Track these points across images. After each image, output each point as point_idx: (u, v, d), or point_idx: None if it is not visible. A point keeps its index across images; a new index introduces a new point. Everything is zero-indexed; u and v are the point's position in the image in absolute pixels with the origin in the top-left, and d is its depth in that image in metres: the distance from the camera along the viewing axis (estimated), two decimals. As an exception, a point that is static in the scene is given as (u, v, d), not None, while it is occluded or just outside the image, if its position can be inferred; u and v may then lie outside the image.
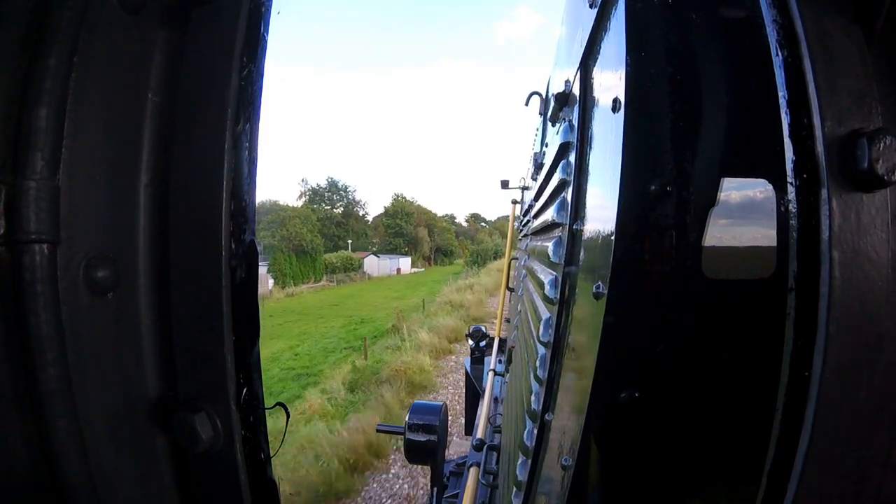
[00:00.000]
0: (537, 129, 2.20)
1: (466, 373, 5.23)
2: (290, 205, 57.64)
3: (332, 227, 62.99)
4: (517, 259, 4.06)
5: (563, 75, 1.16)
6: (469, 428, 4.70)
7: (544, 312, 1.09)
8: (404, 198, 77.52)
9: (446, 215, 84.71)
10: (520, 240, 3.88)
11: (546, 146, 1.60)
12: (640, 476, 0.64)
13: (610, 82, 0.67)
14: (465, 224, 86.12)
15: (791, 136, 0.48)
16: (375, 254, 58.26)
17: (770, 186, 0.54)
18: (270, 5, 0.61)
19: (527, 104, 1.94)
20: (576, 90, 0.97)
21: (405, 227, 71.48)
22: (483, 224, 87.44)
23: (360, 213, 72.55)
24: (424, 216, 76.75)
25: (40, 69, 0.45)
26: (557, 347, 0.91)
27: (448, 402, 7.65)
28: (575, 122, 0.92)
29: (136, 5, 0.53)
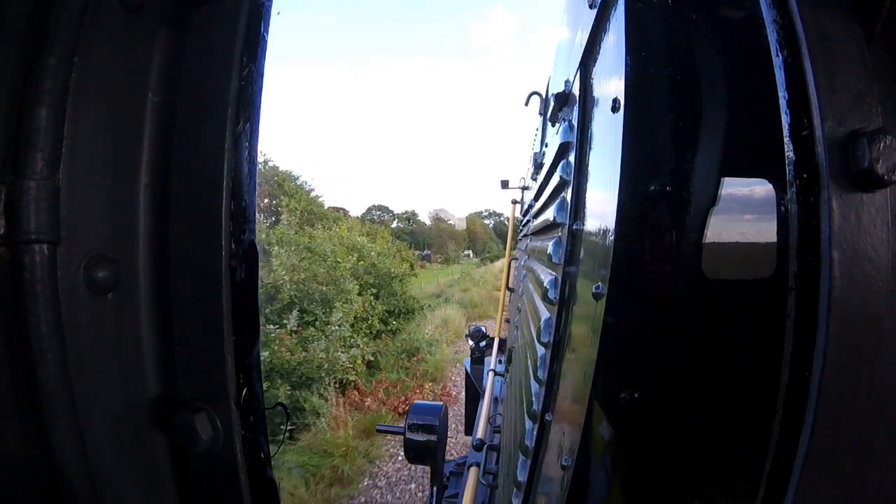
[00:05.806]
0: (537, 129, 2.20)
1: (466, 373, 5.23)
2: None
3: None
4: (517, 259, 4.06)
5: (563, 75, 1.16)
6: (469, 428, 4.70)
7: (544, 313, 1.09)
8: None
9: (405, 212, 63.95)
10: (519, 240, 3.87)
11: (546, 146, 1.60)
12: (640, 476, 0.64)
13: (610, 82, 0.67)
14: (428, 223, 66.96)
15: (791, 136, 0.48)
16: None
17: (770, 186, 0.54)
18: (270, 5, 0.61)
19: (526, 104, 1.94)
20: (576, 90, 0.97)
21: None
22: (451, 223, 68.21)
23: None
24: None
25: (40, 69, 0.45)
26: (557, 348, 0.91)
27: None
28: (575, 122, 0.92)
29: (136, 5, 0.53)
